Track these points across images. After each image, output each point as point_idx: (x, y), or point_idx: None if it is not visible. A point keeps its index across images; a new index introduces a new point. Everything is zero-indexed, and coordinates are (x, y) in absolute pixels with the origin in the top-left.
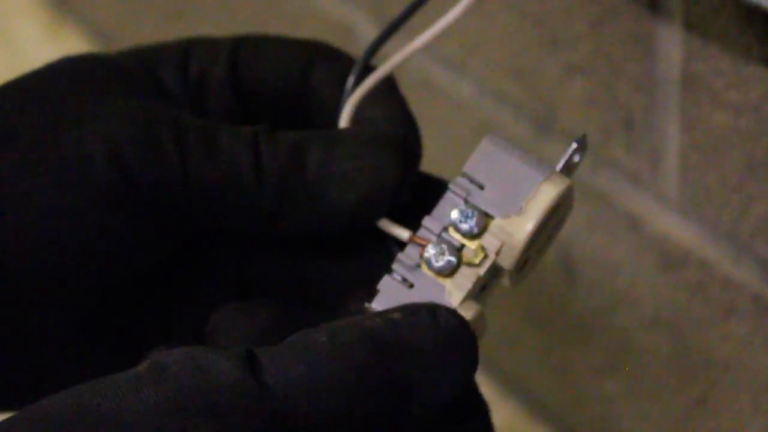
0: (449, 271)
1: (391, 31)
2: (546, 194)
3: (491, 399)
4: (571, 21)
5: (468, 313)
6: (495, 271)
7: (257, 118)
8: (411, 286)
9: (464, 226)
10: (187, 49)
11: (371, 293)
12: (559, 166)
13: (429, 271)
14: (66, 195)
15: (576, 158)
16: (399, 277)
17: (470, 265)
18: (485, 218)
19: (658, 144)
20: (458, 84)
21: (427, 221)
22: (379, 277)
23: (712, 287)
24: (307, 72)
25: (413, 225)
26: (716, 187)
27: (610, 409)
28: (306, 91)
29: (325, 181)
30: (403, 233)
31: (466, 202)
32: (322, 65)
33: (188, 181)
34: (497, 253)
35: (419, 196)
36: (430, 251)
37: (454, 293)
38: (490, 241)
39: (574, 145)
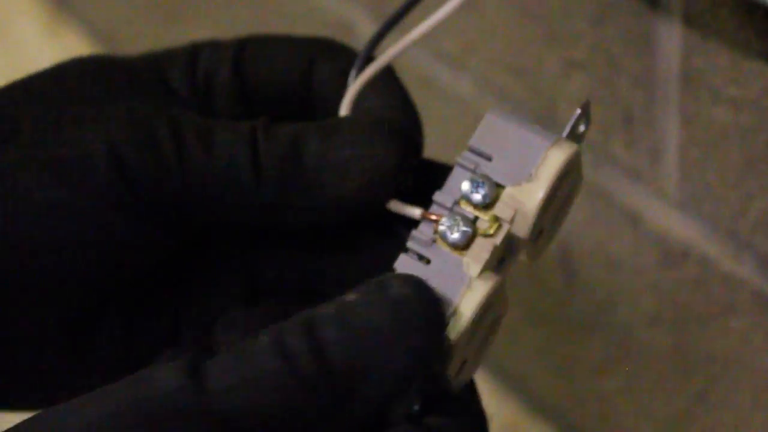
0: (465, 243)
1: (392, 23)
2: (555, 159)
3: (491, 397)
4: (571, 17)
5: (488, 284)
6: (511, 243)
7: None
8: (428, 262)
9: (476, 197)
10: (193, 52)
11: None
12: (565, 132)
13: (445, 245)
14: (66, 193)
15: (581, 128)
16: (415, 255)
17: (486, 236)
18: (496, 188)
19: (657, 140)
20: (458, 81)
21: (438, 196)
22: (391, 269)
23: (712, 283)
24: (310, 69)
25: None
26: (716, 183)
27: (610, 405)
28: (310, 88)
29: (324, 171)
30: (414, 211)
31: (475, 173)
32: (326, 61)
33: (187, 180)
34: (511, 222)
35: (426, 182)
36: (445, 224)
37: (471, 265)
38: (503, 210)
39: (578, 111)
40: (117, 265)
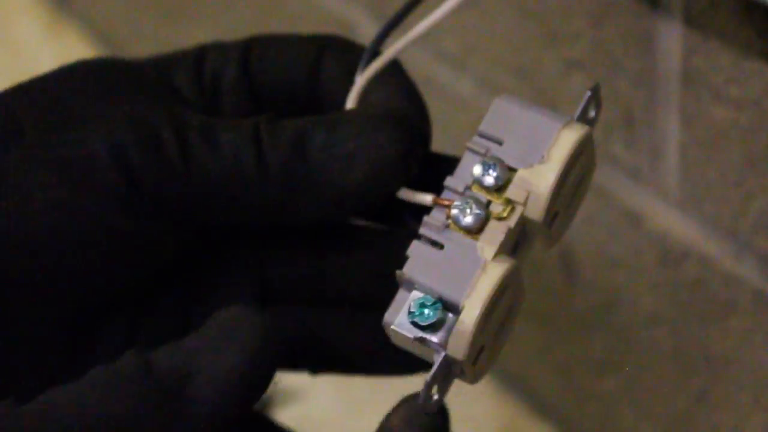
0: (478, 226)
1: (399, 19)
2: (567, 140)
3: (491, 397)
4: (571, 17)
5: (503, 266)
6: (525, 228)
7: None
8: (441, 247)
9: (488, 180)
10: (200, 54)
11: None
12: (576, 115)
13: (458, 229)
14: (69, 193)
15: (591, 113)
16: (428, 241)
17: (499, 219)
18: (508, 171)
19: (658, 140)
20: (459, 81)
21: (449, 181)
22: (400, 266)
23: (713, 283)
24: (317, 66)
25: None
26: (716, 183)
27: (610, 405)
28: (317, 85)
29: (329, 164)
30: (425, 198)
31: (486, 156)
32: (332, 58)
33: (191, 180)
34: (525, 204)
35: (435, 174)
36: (457, 207)
37: (486, 248)
38: (515, 192)
39: (588, 93)
40: (120, 266)
